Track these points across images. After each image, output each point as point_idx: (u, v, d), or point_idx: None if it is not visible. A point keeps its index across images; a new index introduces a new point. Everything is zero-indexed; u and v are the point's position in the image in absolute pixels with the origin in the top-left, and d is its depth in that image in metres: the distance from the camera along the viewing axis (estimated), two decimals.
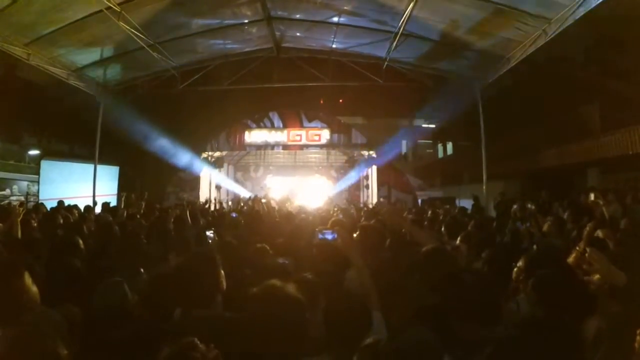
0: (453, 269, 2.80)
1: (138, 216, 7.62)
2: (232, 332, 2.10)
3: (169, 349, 1.54)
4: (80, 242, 4.01)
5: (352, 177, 21.29)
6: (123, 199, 9.12)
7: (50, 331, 1.85)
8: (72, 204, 9.35)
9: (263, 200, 10.99)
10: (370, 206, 14.28)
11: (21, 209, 4.87)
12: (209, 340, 1.66)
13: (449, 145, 26.76)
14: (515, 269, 3.12)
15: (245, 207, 11.31)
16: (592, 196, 4.14)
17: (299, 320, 1.97)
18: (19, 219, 4.54)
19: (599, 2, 6.85)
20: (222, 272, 2.81)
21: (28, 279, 2.38)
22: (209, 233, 5.17)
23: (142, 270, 3.35)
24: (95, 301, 2.57)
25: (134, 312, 2.57)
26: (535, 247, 4.30)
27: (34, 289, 2.40)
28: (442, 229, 5.42)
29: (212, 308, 2.64)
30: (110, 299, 2.56)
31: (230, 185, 20.88)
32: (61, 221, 6.65)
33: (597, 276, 2.65)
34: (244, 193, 18.77)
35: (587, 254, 2.62)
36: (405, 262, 3.31)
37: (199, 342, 1.53)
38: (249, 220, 7.02)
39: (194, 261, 2.90)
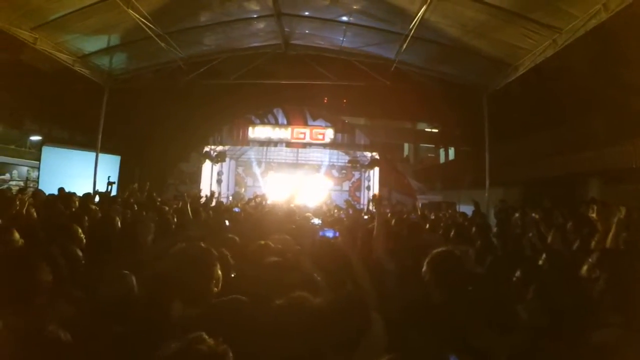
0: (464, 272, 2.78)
1: (135, 207, 7.49)
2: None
3: (177, 343, 1.51)
4: (80, 230, 3.95)
5: (353, 177, 21.28)
6: (129, 189, 9.03)
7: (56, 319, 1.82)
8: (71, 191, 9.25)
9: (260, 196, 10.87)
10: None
11: (26, 197, 4.79)
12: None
13: (451, 151, 26.77)
14: (514, 278, 3.09)
15: (253, 203, 11.17)
16: (592, 209, 4.07)
17: (322, 337, 2.00)
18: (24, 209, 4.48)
19: (610, 15, 6.82)
20: (219, 272, 2.62)
21: (46, 269, 2.34)
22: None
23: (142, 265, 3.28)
24: (100, 292, 2.52)
25: (138, 306, 2.51)
26: (542, 255, 4.26)
27: (48, 277, 2.35)
28: (452, 233, 5.41)
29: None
30: (116, 290, 2.50)
31: (231, 180, 20.85)
32: (62, 209, 6.58)
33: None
34: (245, 188, 18.73)
35: None
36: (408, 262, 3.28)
37: (207, 337, 1.50)
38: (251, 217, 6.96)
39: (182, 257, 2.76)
